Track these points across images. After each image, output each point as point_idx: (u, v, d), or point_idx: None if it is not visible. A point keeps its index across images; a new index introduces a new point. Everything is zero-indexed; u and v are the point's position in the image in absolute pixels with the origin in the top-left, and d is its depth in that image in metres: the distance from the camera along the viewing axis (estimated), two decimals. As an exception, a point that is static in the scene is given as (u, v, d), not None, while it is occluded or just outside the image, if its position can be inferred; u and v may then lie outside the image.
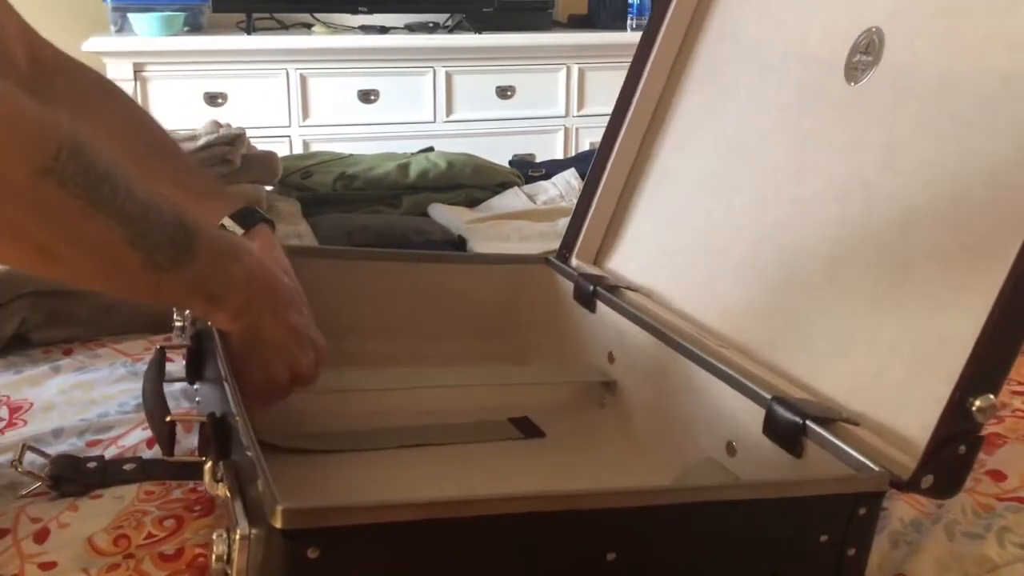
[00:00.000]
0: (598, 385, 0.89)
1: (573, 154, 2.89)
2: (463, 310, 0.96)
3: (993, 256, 0.59)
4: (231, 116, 2.34)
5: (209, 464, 0.56)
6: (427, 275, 0.95)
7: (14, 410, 0.83)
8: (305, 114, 2.80)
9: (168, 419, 0.66)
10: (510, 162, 1.92)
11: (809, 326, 0.72)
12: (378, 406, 0.85)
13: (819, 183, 0.75)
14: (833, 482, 0.59)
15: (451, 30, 3.02)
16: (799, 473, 0.64)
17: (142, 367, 0.91)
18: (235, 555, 0.47)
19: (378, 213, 1.50)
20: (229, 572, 0.48)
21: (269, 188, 1.47)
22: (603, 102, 3.02)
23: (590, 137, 3.02)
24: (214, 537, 0.49)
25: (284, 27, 2.96)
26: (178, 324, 0.81)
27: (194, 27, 2.82)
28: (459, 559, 0.50)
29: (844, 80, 0.75)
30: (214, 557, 0.49)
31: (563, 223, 1.41)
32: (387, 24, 2.96)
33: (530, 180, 1.70)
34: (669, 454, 0.78)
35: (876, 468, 0.58)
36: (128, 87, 2.55)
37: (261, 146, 1.47)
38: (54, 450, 0.74)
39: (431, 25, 3.05)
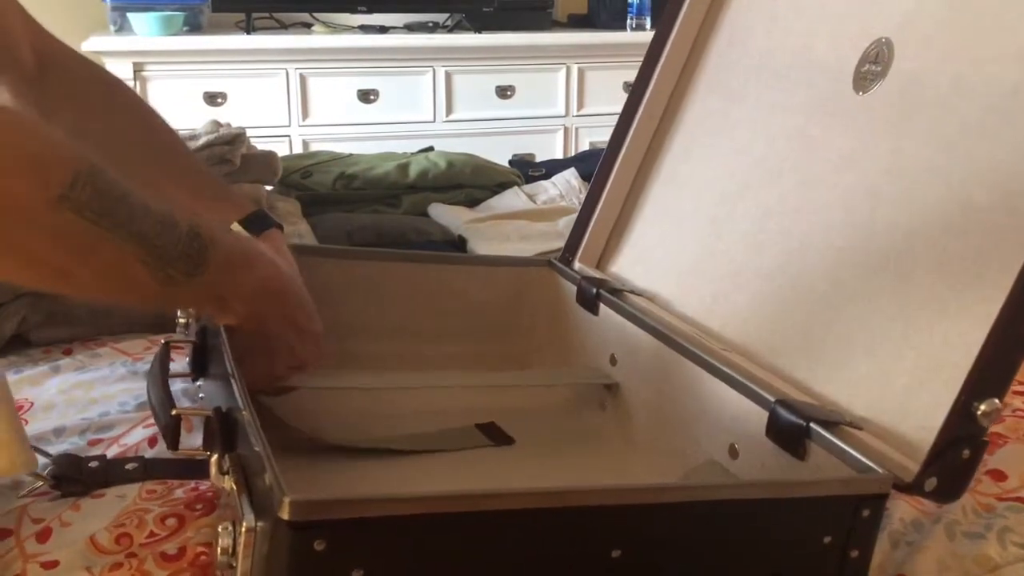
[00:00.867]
0: (600, 387, 0.89)
1: (573, 154, 2.89)
2: (465, 311, 0.96)
3: (998, 263, 0.60)
4: (231, 116, 2.34)
5: (215, 457, 0.56)
6: (429, 276, 0.95)
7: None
8: (305, 114, 2.80)
9: (174, 412, 0.66)
10: (510, 162, 1.92)
11: (813, 331, 0.72)
12: (377, 406, 0.85)
13: (825, 190, 0.75)
14: (837, 483, 0.59)
15: (451, 30, 3.02)
16: (802, 476, 0.64)
17: (142, 366, 0.91)
18: (241, 548, 0.47)
19: (378, 213, 1.50)
20: (234, 564, 0.48)
21: (269, 188, 1.47)
22: (603, 102, 3.02)
23: (590, 137, 3.02)
24: (219, 530, 0.49)
25: (284, 27, 2.96)
26: (182, 321, 0.81)
27: (193, 27, 2.82)
28: (465, 554, 0.50)
29: (852, 89, 0.75)
30: (219, 550, 0.49)
31: (563, 223, 1.41)
32: (387, 24, 2.96)
33: (530, 180, 1.70)
34: (671, 456, 0.78)
35: (880, 470, 0.58)
36: (127, 86, 2.54)
37: (261, 146, 1.47)
38: (55, 449, 0.74)
39: (431, 25, 3.05)
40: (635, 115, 0.95)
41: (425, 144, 1.95)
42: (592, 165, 1.62)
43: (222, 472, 0.55)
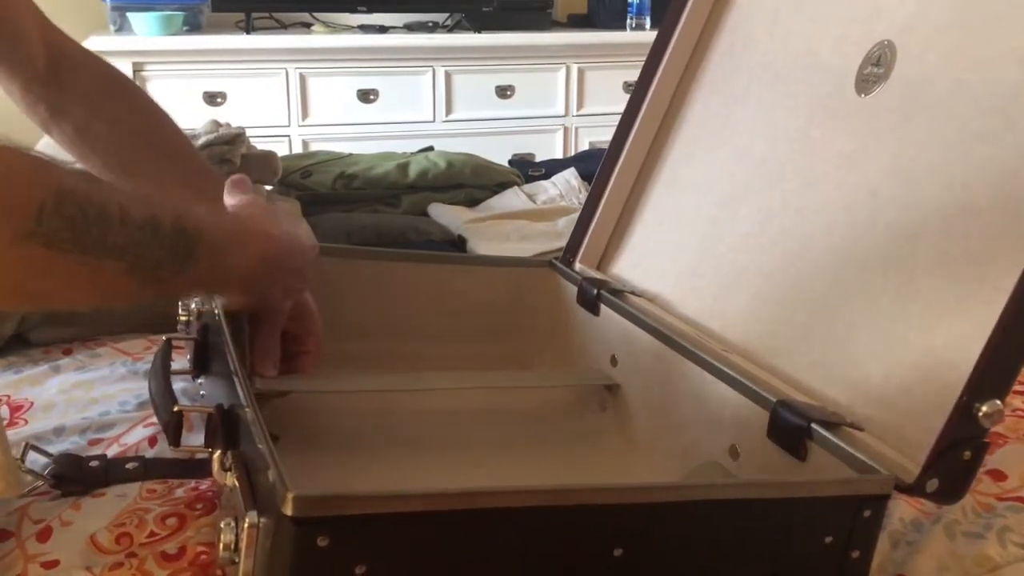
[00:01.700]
0: (600, 388, 0.89)
1: (572, 153, 2.89)
2: (465, 312, 0.96)
3: (1000, 265, 0.60)
4: (230, 115, 2.34)
5: (218, 454, 0.56)
6: (429, 276, 0.94)
7: (15, 409, 0.83)
8: (304, 114, 2.80)
9: (176, 409, 0.66)
10: (510, 162, 1.92)
11: (814, 332, 0.72)
12: (378, 406, 0.85)
13: (826, 192, 0.75)
14: (839, 484, 0.59)
15: (450, 30, 3.03)
16: (803, 476, 0.64)
17: (143, 366, 0.91)
18: (243, 543, 0.47)
19: (378, 213, 1.50)
20: (237, 560, 0.48)
21: (269, 188, 1.47)
22: (602, 102, 3.03)
23: (589, 136, 3.02)
24: (221, 526, 0.49)
25: (283, 26, 2.96)
26: (183, 319, 0.81)
27: (193, 26, 2.82)
28: (467, 551, 0.50)
29: (855, 92, 0.75)
30: (221, 546, 0.49)
31: (563, 223, 1.41)
32: (386, 24, 2.96)
33: (530, 180, 1.70)
34: (671, 457, 0.78)
35: (881, 471, 0.58)
36: (127, 86, 2.54)
37: (261, 146, 1.47)
38: (55, 449, 0.74)
39: (430, 25, 3.05)
40: (637, 116, 0.95)
41: (425, 144, 1.95)
42: (592, 165, 1.62)
43: (224, 468, 0.55)
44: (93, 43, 2.52)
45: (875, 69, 0.74)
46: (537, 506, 0.51)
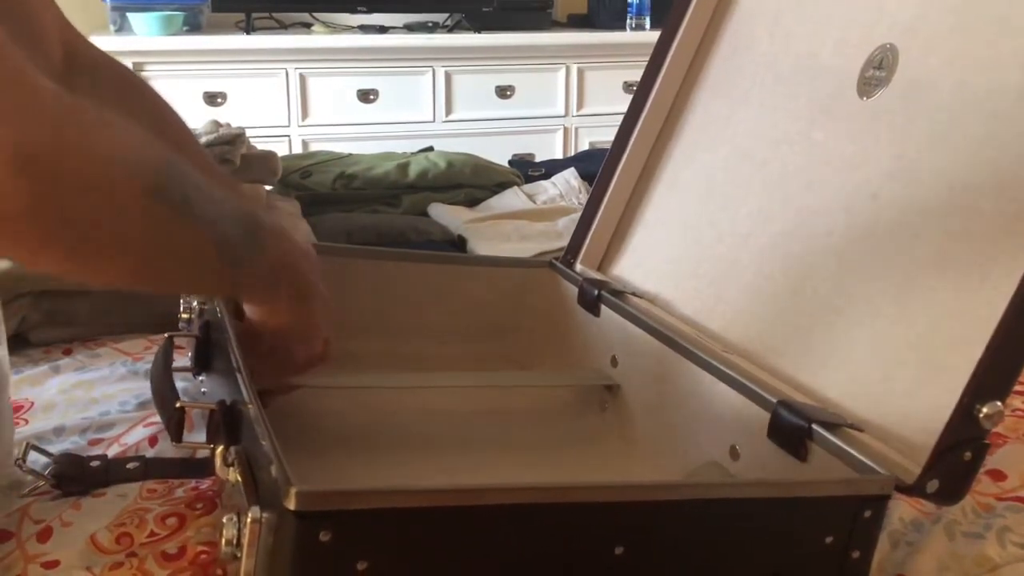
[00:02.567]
0: (601, 388, 0.89)
1: (572, 153, 2.89)
2: (466, 312, 0.96)
3: (1001, 267, 0.60)
4: (230, 116, 2.34)
5: (220, 449, 0.56)
6: (430, 276, 0.94)
7: (15, 409, 0.83)
8: (304, 114, 2.80)
9: (178, 405, 0.66)
10: (510, 162, 1.92)
11: (815, 333, 0.72)
12: (378, 405, 0.85)
13: (827, 194, 0.75)
14: (839, 484, 0.59)
15: (450, 30, 3.03)
16: (803, 477, 0.64)
17: (143, 366, 0.91)
18: (245, 539, 0.47)
19: (378, 213, 1.50)
20: (239, 556, 0.48)
21: (269, 188, 1.47)
22: (602, 102, 3.03)
23: (589, 137, 3.02)
24: (224, 521, 0.49)
25: (283, 27, 2.96)
26: (184, 317, 0.81)
27: (193, 27, 2.82)
28: (469, 547, 0.50)
29: (856, 94, 0.75)
30: (224, 541, 0.49)
31: (563, 223, 1.42)
32: (386, 24, 2.96)
33: (530, 180, 1.70)
34: (671, 457, 0.78)
35: (882, 471, 0.58)
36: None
37: (261, 146, 1.47)
38: (56, 448, 0.74)
39: (430, 25, 3.05)
40: (639, 118, 0.95)
41: (425, 144, 1.95)
42: (592, 165, 1.62)
43: (227, 464, 0.55)
44: (93, 43, 2.51)
45: (877, 72, 0.74)
46: (539, 503, 0.51)
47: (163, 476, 0.71)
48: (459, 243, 1.37)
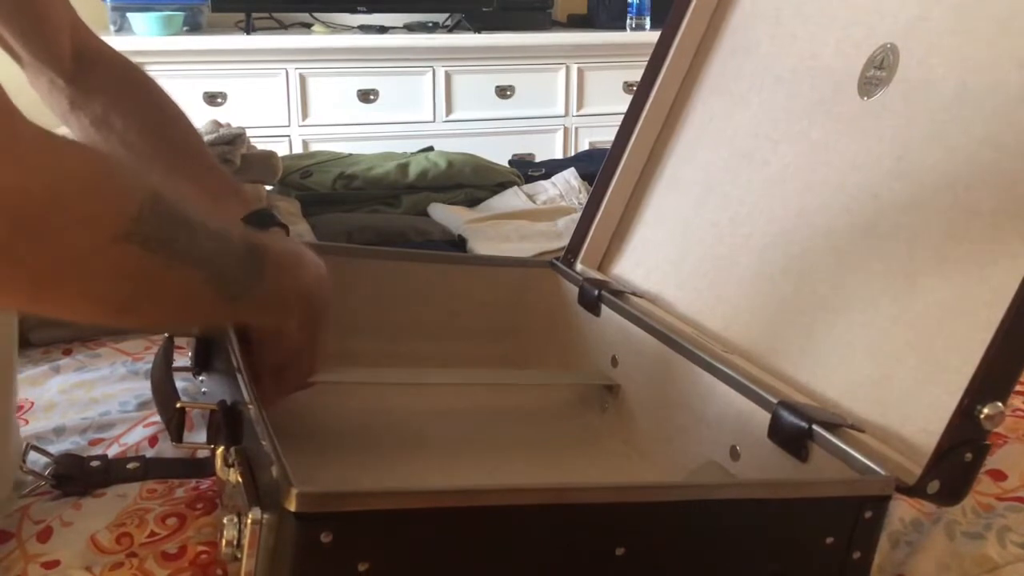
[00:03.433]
0: (601, 388, 0.89)
1: (572, 153, 2.89)
2: (466, 311, 0.95)
3: (1002, 267, 0.60)
4: (231, 116, 2.34)
5: (220, 450, 0.56)
6: (430, 276, 0.94)
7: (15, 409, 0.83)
8: (304, 114, 2.80)
9: (178, 405, 0.66)
10: (510, 162, 1.92)
11: (815, 334, 0.72)
12: (379, 405, 0.85)
13: (828, 194, 0.75)
14: (840, 484, 0.59)
15: (450, 30, 3.02)
16: (804, 477, 0.64)
17: (143, 366, 0.91)
18: (246, 540, 0.47)
19: (378, 213, 1.50)
20: (239, 557, 0.48)
21: (269, 188, 1.47)
22: (602, 102, 3.03)
23: (589, 137, 3.02)
24: (224, 522, 0.49)
25: (283, 27, 2.96)
26: None
27: (193, 27, 2.82)
28: (470, 548, 0.50)
29: (857, 94, 0.75)
30: (224, 542, 0.49)
31: (563, 223, 1.41)
32: (386, 24, 2.96)
33: (530, 180, 1.70)
34: (671, 458, 0.78)
35: (882, 472, 0.58)
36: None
37: (261, 146, 1.47)
38: (56, 448, 0.74)
39: (430, 25, 3.05)
40: (639, 118, 0.95)
41: (425, 144, 1.95)
42: (592, 165, 1.62)
43: (227, 464, 0.54)
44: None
45: (878, 72, 0.74)
46: (540, 504, 0.51)
47: (163, 476, 0.71)
48: (459, 243, 1.37)
